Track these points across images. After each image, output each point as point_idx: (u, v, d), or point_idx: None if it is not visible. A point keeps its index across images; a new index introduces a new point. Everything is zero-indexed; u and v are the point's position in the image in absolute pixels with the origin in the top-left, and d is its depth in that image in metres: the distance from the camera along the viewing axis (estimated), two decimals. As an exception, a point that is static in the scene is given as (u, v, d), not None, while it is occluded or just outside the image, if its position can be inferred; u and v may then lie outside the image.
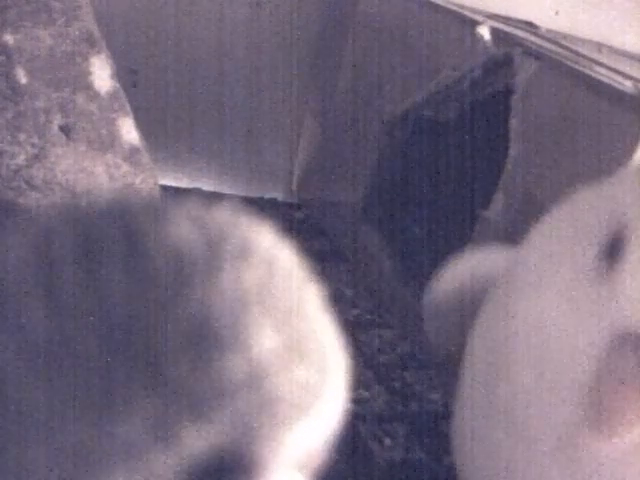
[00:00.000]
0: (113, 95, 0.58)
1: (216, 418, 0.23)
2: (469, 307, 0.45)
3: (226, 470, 0.23)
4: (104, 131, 0.57)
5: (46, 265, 0.24)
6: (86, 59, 0.57)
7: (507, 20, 0.83)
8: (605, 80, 0.61)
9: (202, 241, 0.25)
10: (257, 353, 0.24)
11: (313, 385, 0.25)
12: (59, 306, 0.23)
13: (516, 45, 0.69)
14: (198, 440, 0.23)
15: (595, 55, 0.76)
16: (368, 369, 0.74)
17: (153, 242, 0.24)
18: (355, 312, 0.82)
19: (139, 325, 0.23)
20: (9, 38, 0.55)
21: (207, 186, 0.99)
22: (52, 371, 0.23)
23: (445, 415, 0.70)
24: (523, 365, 0.36)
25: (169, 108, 0.94)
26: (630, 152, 0.56)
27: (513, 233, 0.67)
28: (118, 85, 0.58)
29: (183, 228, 0.25)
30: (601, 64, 0.69)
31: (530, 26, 0.85)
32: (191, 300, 0.24)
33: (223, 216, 0.26)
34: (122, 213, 0.25)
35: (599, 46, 0.90)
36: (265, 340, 0.24)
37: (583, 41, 0.90)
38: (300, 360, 0.25)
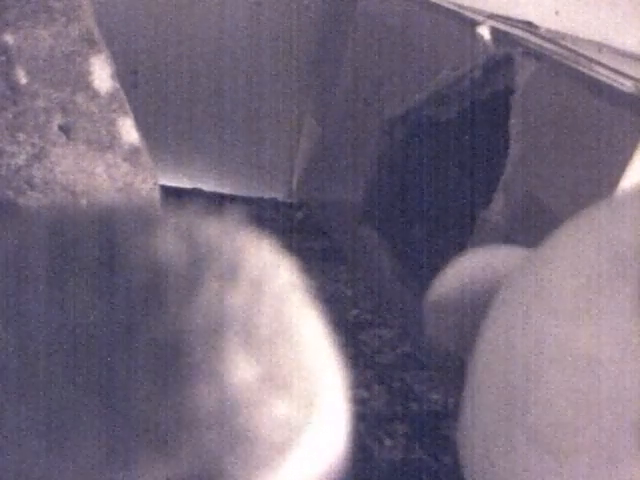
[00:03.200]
0: (113, 95, 0.58)
1: (179, 453, 0.21)
2: (470, 309, 0.44)
3: None
4: (104, 131, 0.57)
5: (15, 272, 0.22)
6: (86, 59, 0.57)
7: (507, 20, 0.83)
8: (605, 80, 0.61)
9: (186, 257, 0.23)
10: (230, 384, 0.21)
11: (296, 422, 0.23)
12: (24, 318, 0.21)
13: (516, 45, 0.69)
14: (160, 476, 0.21)
15: (595, 55, 0.76)
16: (368, 369, 0.74)
17: (132, 255, 0.22)
18: (355, 312, 0.82)
19: (103, 345, 0.21)
20: (9, 38, 0.55)
21: (207, 186, 0.99)
22: (10, 389, 0.21)
23: (445, 415, 0.70)
24: (557, 391, 0.35)
25: (169, 108, 0.94)
26: (630, 152, 0.56)
27: (513, 233, 0.67)
28: (118, 85, 0.58)
29: (168, 241, 0.23)
30: (601, 64, 0.69)
31: (530, 26, 0.85)
32: (163, 322, 0.21)
33: (216, 229, 0.24)
34: (105, 221, 0.23)
35: (599, 46, 0.90)
36: (241, 370, 0.22)
37: (583, 41, 0.90)
38: (281, 393, 0.22)
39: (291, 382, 0.23)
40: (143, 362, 0.21)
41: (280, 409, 0.22)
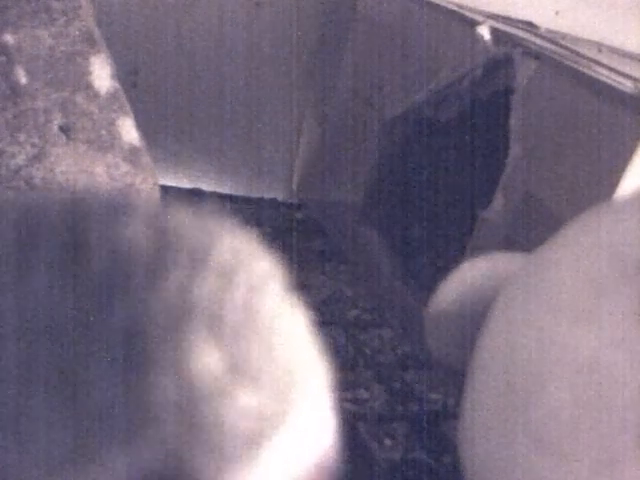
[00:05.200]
0: (113, 95, 0.58)
1: (143, 444, 0.20)
2: (472, 321, 0.44)
3: None
4: (104, 131, 0.57)
5: None
6: (86, 59, 0.57)
7: (507, 20, 0.83)
8: (605, 80, 0.61)
9: (153, 245, 0.22)
10: (194, 373, 0.21)
11: (266, 414, 0.22)
12: None
13: (516, 45, 0.69)
14: (119, 466, 0.20)
15: (595, 55, 0.76)
16: (368, 369, 0.74)
17: (97, 242, 0.22)
18: (355, 312, 0.82)
19: (63, 334, 0.20)
20: (9, 38, 0.55)
21: (207, 186, 0.99)
22: None
23: (445, 415, 0.70)
24: (559, 393, 0.35)
25: (169, 108, 0.94)
26: (630, 152, 0.56)
27: (513, 233, 0.67)
28: (118, 85, 0.58)
29: (135, 229, 0.22)
30: (601, 64, 0.69)
31: (530, 26, 0.85)
32: (124, 310, 0.21)
33: (188, 218, 0.23)
34: (71, 209, 0.23)
35: (599, 46, 0.90)
36: (206, 360, 0.21)
37: (583, 41, 0.90)
38: (250, 385, 0.22)
39: (261, 374, 0.22)
40: (105, 351, 0.20)
41: (248, 400, 0.22)
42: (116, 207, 0.23)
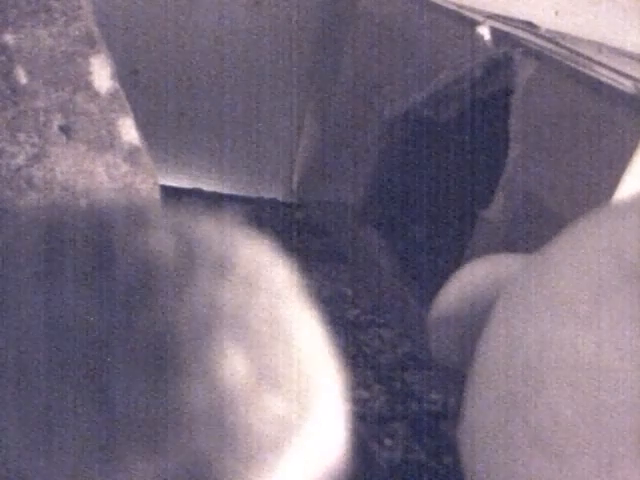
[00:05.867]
0: (113, 95, 0.58)
1: (170, 450, 0.20)
2: (474, 324, 0.44)
3: None
4: (104, 131, 0.57)
5: (6, 269, 0.22)
6: (86, 59, 0.57)
7: (507, 20, 0.83)
8: (605, 80, 0.61)
9: (179, 253, 0.22)
10: (222, 380, 0.21)
11: (290, 420, 0.22)
12: (12, 312, 0.21)
13: (516, 45, 0.69)
14: (150, 473, 0.20)
15: (595, 55, 0.76)
16: (368, 369, 0.74)
17: (124, 251, 0.22)
18: (355, 312, 0.82)
19: (93, 342, 0.21)
20: (9, 38, 0.55)
21: (207, 186, 0.99)
22: None
23: (445, 415, 0.70)
24: (560, 395, 0.35)
25: (169, 108, 0.94)
26: (630, 152, 0.56)
27: (513, 233, 0.67)
28: (118, 85, 0.58)
29: (160, 238, 0.22)
30: (601, 64, 0.69)
31: (530, 26, 0.85)
32: (154, 318, 0.21)
33: (210, 227, 0.24)
34: (98, 218, 0.23)
35: (599, 46, 0.90)
36: (234, 367, 0.21)
37: (583, 41, 0.90)
38: (275, 391, 0.22)
39: (285, 380, 0.22)
40: (134, 358, 0.21)
41: (273, 406, 0.22)
42: (139, 216, 0.23)
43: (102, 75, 0.58)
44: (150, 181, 0.59)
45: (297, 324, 0.24)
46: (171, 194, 0.90)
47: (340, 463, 0.24)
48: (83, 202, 0.24)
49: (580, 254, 0.37)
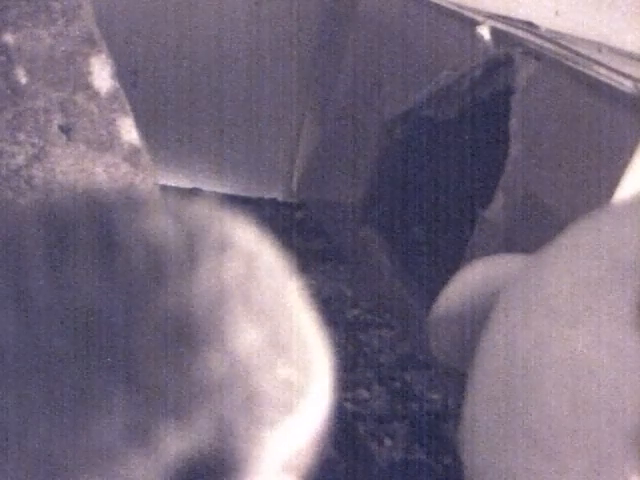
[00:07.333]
0: (113, 95, 0.58)
1: (196, 419, 0.22)
2: (474, 325, 0.44)
3: (209, 474, 0.22)
4: (104, 131, 0.57)
5: (14, 262, 0.23)
6: (86, 59, 0.57)
7: (507, 20, 0.83)
8: (605, 80, 0.61)
9: (180, 235, 0.24)
10: (238, 351, 0.23)
11: (296, 383, 0.24)
12: (28, 305, 0.22)
13: (516, 45, 0.69)
14: (179, 443, 0.22)
15: (595, 55, 0.76)
16: (368, 369, 0.74)
17: (128, 236, 0.23)
18: (355, 312, 0.82)
19: (112, 322, 0.22)
20: (9, 38, 0.55)
21: (207, 186, 0.99)
22: (21, 373, 0.21)
23: (445, 415, 0.70)
24: (556, 395, 0.35)
25: (169, 108, 0.94)
26: (630, 152, 0.56)
27: (513, 233, 0.67)
28: (118, 85, 0.58)
29: (160, 221, 0.24)
30: (601, 64, 0.69)
31: (530, 26, 0.85)
32: (167, 296, 0.22)
33: (202, 210, 0.25)
34: (98, 207, 0.24)
35: (599, 46, 0.90)
36: (246, 337, 0.23)
37: (583, 41, 0.90)
38: (282, 358, 0.24)
39: (290, 347, 0.24)
40: (155, 338, 0.22)
41: (283, 372, 0.23)
42: (139, 208, 0.25)
43: (102, 75, 0.58)
44: (150, 181, 0.59)
45: (292, 297, 0.26)
46: (171, 194, 0.90)
47: (323, 428, 0.26)
48: (83, 202, 0.25)
49: (577, 255, 0.37)
